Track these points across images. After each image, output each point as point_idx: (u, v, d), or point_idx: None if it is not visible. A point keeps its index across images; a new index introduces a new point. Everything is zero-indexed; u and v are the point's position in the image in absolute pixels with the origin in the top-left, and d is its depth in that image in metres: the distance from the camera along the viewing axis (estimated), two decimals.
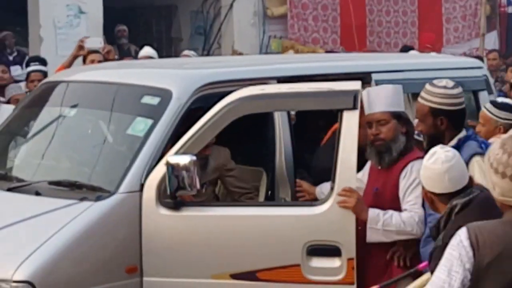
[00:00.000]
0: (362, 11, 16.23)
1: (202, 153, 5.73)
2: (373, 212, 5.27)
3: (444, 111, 5.23)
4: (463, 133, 5.29)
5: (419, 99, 5.38)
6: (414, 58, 8.37)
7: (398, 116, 5.48)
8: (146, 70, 6.68)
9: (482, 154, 5.03)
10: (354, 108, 5.30)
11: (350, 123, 5.29)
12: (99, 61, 9.32)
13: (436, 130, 5.26)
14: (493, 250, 3.35)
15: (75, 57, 9.28)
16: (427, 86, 5.35)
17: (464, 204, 4.27)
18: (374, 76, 6.29)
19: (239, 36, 15.29)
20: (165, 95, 5.63)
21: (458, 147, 5.08)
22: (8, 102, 8.79)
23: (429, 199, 4.48)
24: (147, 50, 10.94)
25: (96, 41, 9.56)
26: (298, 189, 5.92)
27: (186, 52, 11.99)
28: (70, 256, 5.09)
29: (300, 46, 15.29)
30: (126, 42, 14.39)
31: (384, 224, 5.26)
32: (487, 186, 4.40)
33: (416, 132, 5.49)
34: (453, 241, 3.42)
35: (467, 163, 4.91)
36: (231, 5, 15.35)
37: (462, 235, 3.40)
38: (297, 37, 15.63)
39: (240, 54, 14.00)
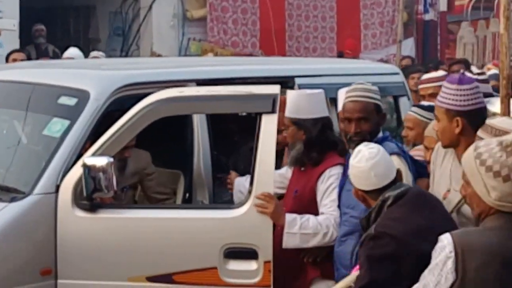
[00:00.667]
0: (281, 15, 16.33)
1: (121, 156, 5.72)
2: (290, 217, 5.29)
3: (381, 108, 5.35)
4: (380, 134, 5.32)
5: (360, 98, 5.31)
6: (334, 63, 8.44)
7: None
8: (64, 70, 6.61)
9: (398, 154, 5.11)
10: (273, 112, 5.29)
11: (268, 126, 5.28)
12: (22, 60, 9.23)
13: (377, 127, 5.32)
14: (476, 258, 3.35)
15: None
16: (361, 85, 5.37)
17: (396, 197, 4.31)
18: (297, 81, 6.35)
19: (158, 38, 15.26)
20: (82, 96, 5.58)
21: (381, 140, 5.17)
22: None
23: (360, 197, 4.53)
24: (71, 51, 10.82)
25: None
26: (228, 181, 5.99)
27: (94, 53, 11.91)
28: None
29: (220, 49, 15.33)
30: (44, 42, 14.22)
31: (302, 227, 5.28)
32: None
33: None
34: (437, 248, 3.43)
35: None
36: (150, 7, 15.30)
37: (445, 241, 3.41)
38: (217, 40, 15.66)
39: (159, 56, 13.97)
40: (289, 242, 5.29)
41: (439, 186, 4.76)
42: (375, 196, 4.41)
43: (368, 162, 4.38)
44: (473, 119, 4.53)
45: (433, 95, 6.64)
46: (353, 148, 4.93)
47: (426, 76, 6.98)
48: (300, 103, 5.52)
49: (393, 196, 4.31)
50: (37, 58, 12.08)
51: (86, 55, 12.22)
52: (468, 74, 5.71)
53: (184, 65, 7.18)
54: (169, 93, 5.48)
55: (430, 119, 6.02)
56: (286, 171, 5.78)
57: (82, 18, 16.70)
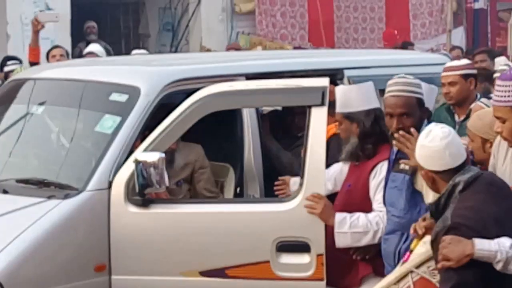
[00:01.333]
0: (329, 7, 16.30)
1: (168, 148, 5.68)
2: (339, 216, 5.22)
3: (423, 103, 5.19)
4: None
5: (401, 92, 5.17)
6: (383, 55, 8.30)
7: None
8: (114, 67, 6.65)
9: None
10: (323, 104, 5.29)
11: (318, 119, 5.28)
12: (61, 55, 9.31)
13: (421, 122, 5.15)
14: None
15: (35, 33, 9.25)
16: (404, 79, 5.22)
17: (467, 182, 4.19)
18: (347, 73, 6.27)
19: (207, 32, 15.30)
20: (133, 92, 5.60)
21: None
22: None
23: (430, 179, 4.36)
24: (94, 47, 10.92)
25: (51, 16, 9.52)
26: (279, 182, 5.87)
27: (135, 51, 11.96)
28: (38, 255, 5.05)
29: (268, 42, 15.35)
30: (95, 39, 14.30)
31: (351, 226, 5.22)
32: None
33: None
34: None
35: None
36: (199, 1, 15.36)
37: None
38: (265, 33, 15.68)
39: (208, 50, 13.99)
40: (340, 241, 5.25)
41: (503, 176, 4.57)
42: (447, 178, 4.25)
43: (443, 141, 4.22)
44: None
45: (453, 84, 6.52)
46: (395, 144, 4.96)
47: (448, 64, 6.85)
48: (351, 96, 5.43)
49: (464, 181, 4.19)
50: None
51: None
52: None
53: (233, 59, 7.16)
54: (219, 87, 5.48)
55: None
56: (342, 167, 5.68)
57: (132, 14, 16.81)
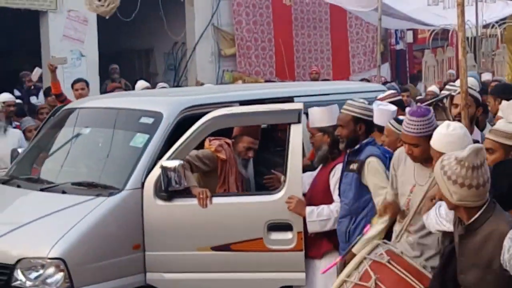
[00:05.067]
0: (291, 51, 16.35)
1: (245, 156, 5.64)
2: (309, 209, 5.15)
3: (363, 119, 5.09)
4: (366, 140, 5.09)
5: (343, 110, 5.14)
6: (328, 85, 8.11)
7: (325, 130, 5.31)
8: (142, 98, 6.63)
9: (377, 156, 4.91)
10: (299, 122, 5.26)
11: (296, 133, 5.26)
12: (82, 89, 8.90)
13: (355, 134, 5.06)
14: None
15: (52, 72, 8.75)
16: (349, 101, 5.15)
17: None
18: (296, 99, 5.96)
19: (201, 70, 15.29)
20: (157, 116, 5.58)
21: (360, 148, 5.02)
22: (23, 131, 8.36)
23: None
24: (143, 83, 10.78)
25: (60, 60, 9.25)
26: (270, 176, 5.74)
27: (161, 84, 12.00)
28: (91, 238, 5.04)
29: (246, 77, 15.34)
30: (117, 77, 14.32)
31: (318, 215, 5.15)
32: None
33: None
34: None
35: (363, 161, 4.90)
36: (194, 48, 15.35)
37: None
38: (244, 71, 15.69)
39: (202, 84, 13.97)
40: (311, 228, 5.17)
41: (403, 186, 4.53)
42: None
43: (462, 129, 4.00)
44: None
45: None
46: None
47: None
48: (323, 115, 5.32)
49: None
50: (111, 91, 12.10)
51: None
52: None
53: (229, 90, 7.11)
54: (222, 111, 5.46)
55: (400, 130, 5.58)
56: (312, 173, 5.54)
57: (143, 58, 16.77)
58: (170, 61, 16.13)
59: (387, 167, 4.84)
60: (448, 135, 3.95)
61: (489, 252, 3.27)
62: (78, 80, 9.28)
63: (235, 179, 5.66)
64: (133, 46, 16.08)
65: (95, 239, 5.06)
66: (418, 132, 4.27)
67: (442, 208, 3.97)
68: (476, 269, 3.34)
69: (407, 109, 4.51)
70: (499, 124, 4.35)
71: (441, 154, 3.79)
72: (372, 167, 4.88)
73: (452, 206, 3.42)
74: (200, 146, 5.64)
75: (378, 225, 4.52)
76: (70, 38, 13.62)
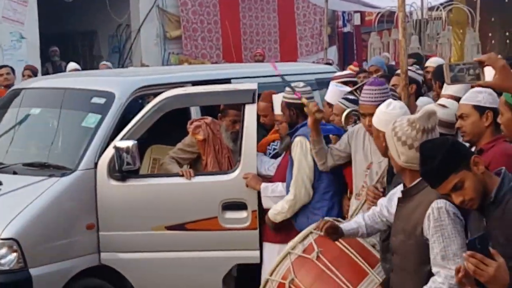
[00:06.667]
0: (238, 33, 16.29)
1: (233, 129, 5.61)
2: (264, 185, 5.26)
3: (293, 104, 5.11)
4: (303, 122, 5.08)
5: (283, 98, 5.19)
6: (286, 66, 8.18)
7: None
8: (94, 78, 6.63)
9: (302, 135, 4.97)
10: (253, 102, 5.34)
11: (250, 114, 5.34)
12: (8, 73, 9.04)
13: (291, 119, 5.15)
14: None
15: None
16: (287, 89, 5.20)
17: None
18: (233, 81, 6.01)
19: (146, 53, 15.18)
20: (109, 96, 5.60)
21: (296, 130, 5.09)
22: None
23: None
24: (73, 65, 11.01)
25: None
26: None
27: (104, 62, 12.05)
28: (44, 219, 5.07)
29: (192, 60, 15.30)
30: (58, 60, 14.19)
31: (272, 191, 5.25)
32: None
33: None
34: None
35: (293, 140, 5.02)
36: (139, 30, 15.26)
37: None
38: (190, 53, 15.60)
39: (148, 66, 13.97)
40: (265, 203, 5.28)
41: (360, 165, 4.64)
42: None
43: (402, 108, 4.00)
44: None
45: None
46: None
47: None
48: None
49: None
50: (53, 73, 12.01)
51: (93, 68, 12.30)
52: None
53: (182, 71, 7.13)
54: (176, 91, 5.51)
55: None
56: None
57: (87, 40, 16.59)
58: (114, 44, 15.99)
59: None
60: (386, 113, 3.96)
61: (416, 218, 3.34)
62: (2, 66, 9.41)
63: (215, 156, 5.69)
64: (76, 29, 15.87)
65: (48, 219, 5.09)
66: (379, 101, 4.35)
67: None
68: (402, 234, 3.43)
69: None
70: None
71: (379, 131, 3.91)
72: (295, 145, 4.99)
73: (398, 168, 3.53)
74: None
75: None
76: (9, 19, 13.40)
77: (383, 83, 4.54)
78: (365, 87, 4.48)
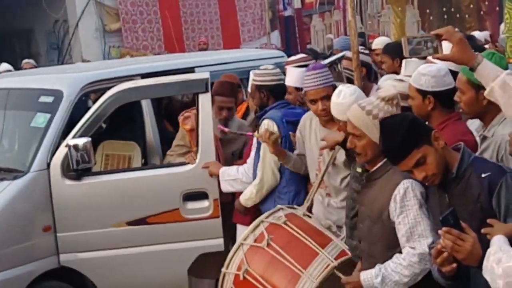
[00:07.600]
0: (178, 22, 16.30)
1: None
2: (222, 169, 5.28)
3: (263, 86, 5.17)
4: (275, 103, 5.16)
5: (251, 81, 5.32)
6: (236, 53, 8.22)
7: None
8: (39, 76, 6.47)
9: (269, 118, 4.97)
10: (207, 91, 5.32)
11: (205, 103, 5.32)
12: None
13: (262, 101, 5.19)
14: None
15: None
16: (256, 70, 5.30)
17: None
18: (196, 70, 6.13)
19: (85, 48, 15.06)
20: (57, 94, 5.51)
21: (265, 112, 5.11)
22: None
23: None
24: (6, 66, 10.77)
25: None
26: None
27: (26, 60, 11.82)
28: None
29: (134, 52, 15.23)
30: None
31: (227, 175, 5.27)
32: None
33: None
34: None
35: (261, 123, 5.01)
36: (77, 24, 15.10)
37: None
38: (131, 46, 15.55)
39: (88, 61, 13.81)
40: (223, 187, 5.31)
41: (312, 153, 4.67)
42: None
43: (352, 96, 4.00)
44: None
45: None
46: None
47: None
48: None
49: None
50: None
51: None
52: None
53: (129, 64, 7.02)
54: (126, 85, 5.44)
55: None
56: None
57: (24, 38, 16.35)
58: (52, 40, 15.81)
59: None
60: (339, 104, 4.03)
61: (381, 203, 3.34)
62: None
63: None
64: (12, 27, 15.61)
65: (3, 224, 4.99)
66: (324, 83, 4.43)
67: None
68: (368, 220, 3.43)
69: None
70: None
71: (339, 120, 4.01)
72: (262, 127, 4.97)
73: (375, 154, 3.44)
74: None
75: None
76: None
77: (323, 66, 4.63)
78: (307, 73, 4.57)
